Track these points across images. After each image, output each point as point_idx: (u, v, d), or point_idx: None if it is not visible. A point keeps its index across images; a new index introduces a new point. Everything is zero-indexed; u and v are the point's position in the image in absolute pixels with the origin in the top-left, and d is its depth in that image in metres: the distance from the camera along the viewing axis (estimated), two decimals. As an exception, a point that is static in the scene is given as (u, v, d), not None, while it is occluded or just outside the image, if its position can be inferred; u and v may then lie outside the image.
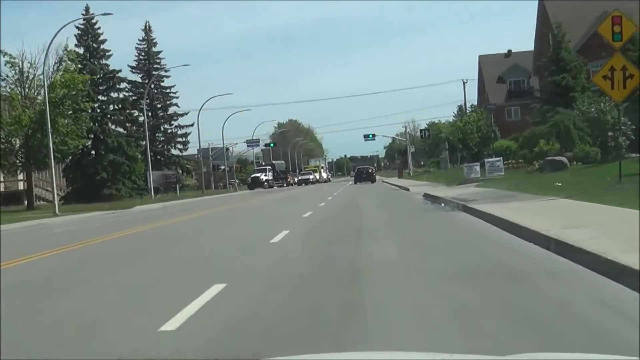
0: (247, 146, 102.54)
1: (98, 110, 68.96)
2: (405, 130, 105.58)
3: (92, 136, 68.58)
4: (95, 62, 68.93)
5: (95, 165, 67.08)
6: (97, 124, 67.78)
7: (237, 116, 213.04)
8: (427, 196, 31.37)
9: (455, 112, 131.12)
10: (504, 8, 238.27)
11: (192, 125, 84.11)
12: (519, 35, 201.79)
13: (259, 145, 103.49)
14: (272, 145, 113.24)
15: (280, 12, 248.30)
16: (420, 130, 74.70)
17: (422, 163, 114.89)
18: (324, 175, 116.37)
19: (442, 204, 24.85)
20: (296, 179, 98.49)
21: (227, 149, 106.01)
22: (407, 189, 44.08)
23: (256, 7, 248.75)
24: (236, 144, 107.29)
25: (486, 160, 35.60)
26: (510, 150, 45.17)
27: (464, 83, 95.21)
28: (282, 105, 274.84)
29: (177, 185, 73.46)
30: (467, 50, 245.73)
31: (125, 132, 70.31)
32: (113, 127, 69.63)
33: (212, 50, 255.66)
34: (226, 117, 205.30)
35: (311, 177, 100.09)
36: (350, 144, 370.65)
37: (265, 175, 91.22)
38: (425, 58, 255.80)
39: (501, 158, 36.98)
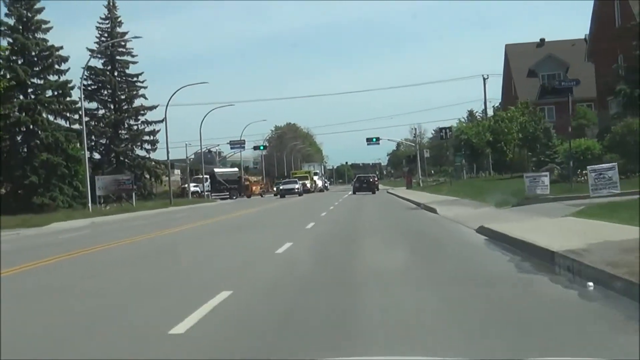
0: (231, 148, 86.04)
1: (32, 97, 52.90)
2: (415, 133, 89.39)
3: (24, 129, 52.71)
4: (30, 36, 52.79)
5: (23, 167, 50.97)
6: (28, 114, 51.69)
7: (231, 119, 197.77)
8: (492, 235, 15.23)
9: (466, 117, 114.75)
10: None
11: (162, 121, 67.81)
12: (546, 23, 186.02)
13: (244, 147, 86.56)
14: (262, 147, 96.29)
15: (281, 17, 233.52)
16: (440, 129, 58.36)
17: (432, 171, 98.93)
18: (319, 183, 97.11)
19: (590, 285, 8.71)
20: (280, 188, 74.81)
21: (210, 151, 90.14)
22: (433, 210, 27.94)
23: (258, 11, 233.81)
24: (218, 145, 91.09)
25: (590, 168, 19.56)
26: (591, 154, 28.91)
27: (484, 79, 79.14)
28: (280, 106, 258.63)
29: (134, 193, 57.10)
30: (476, 50, 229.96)
31: (68, 124, 54.14)
32: (52, 118, 53.49)
33: (210, 54, 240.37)
34: (220, 120, 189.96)
35: (296, 186, 73.75)
36: (352, 151, 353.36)
37: (197, 186, 74.66)
38: (431, 60, 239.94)
39: (615, 165, 20.71)
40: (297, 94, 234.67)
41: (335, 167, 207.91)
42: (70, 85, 52.88)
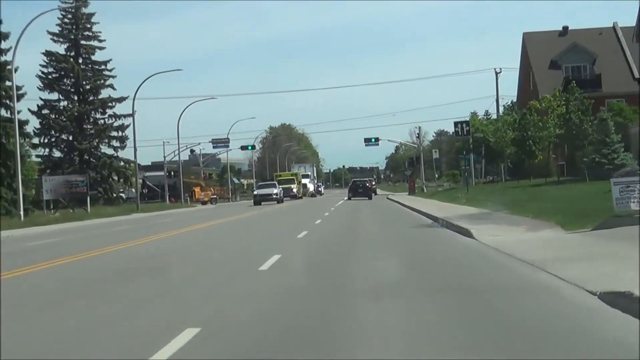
0: (213, 147, 76.76)
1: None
2: (419, 133, 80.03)
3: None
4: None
5: (-50, 165, 41.63)
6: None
7: (222, 118, 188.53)
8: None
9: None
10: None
11: (132, 115, 58.30)
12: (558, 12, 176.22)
13: (228, 146, 76.92)
14: (250, 147, 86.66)
15: (280, 18, 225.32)
16: (455, 124, 48.85)
17: (435, 175, 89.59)
18: (310, 187, 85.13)
19: None
20: (255, 193, 62.51)
21: (192, 151, 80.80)
22: (464, 230, 18.48)
23: (257, 12, 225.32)
24: (199, 143, 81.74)
25: None
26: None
27: (496, 73, 69.92)
28: (276, 106, 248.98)
29: (88, 197, 47.44)
30: (476, 49, 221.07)
31: (8, 114, 44.72)
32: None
33: (205, 55, 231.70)
34: (206, 119, 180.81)
35: (274, 191, 60.85)
36: (350, 155, 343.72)
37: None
38: (430, 60, 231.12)
39: None
40: (293, 95, 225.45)
41: (332, 170, 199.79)
42: (9, 67, 43.39)
